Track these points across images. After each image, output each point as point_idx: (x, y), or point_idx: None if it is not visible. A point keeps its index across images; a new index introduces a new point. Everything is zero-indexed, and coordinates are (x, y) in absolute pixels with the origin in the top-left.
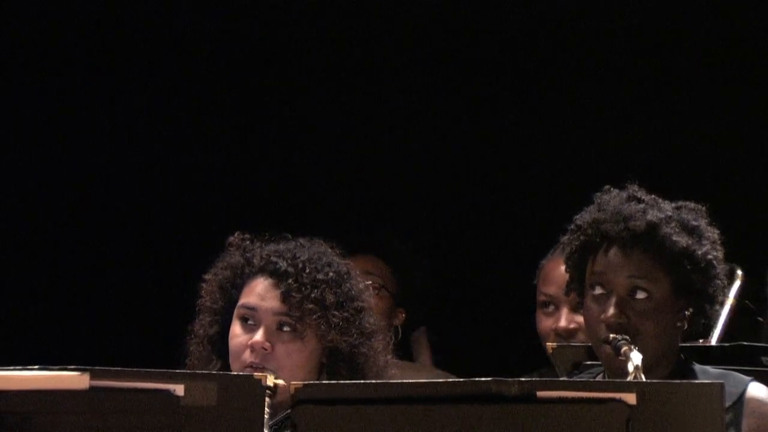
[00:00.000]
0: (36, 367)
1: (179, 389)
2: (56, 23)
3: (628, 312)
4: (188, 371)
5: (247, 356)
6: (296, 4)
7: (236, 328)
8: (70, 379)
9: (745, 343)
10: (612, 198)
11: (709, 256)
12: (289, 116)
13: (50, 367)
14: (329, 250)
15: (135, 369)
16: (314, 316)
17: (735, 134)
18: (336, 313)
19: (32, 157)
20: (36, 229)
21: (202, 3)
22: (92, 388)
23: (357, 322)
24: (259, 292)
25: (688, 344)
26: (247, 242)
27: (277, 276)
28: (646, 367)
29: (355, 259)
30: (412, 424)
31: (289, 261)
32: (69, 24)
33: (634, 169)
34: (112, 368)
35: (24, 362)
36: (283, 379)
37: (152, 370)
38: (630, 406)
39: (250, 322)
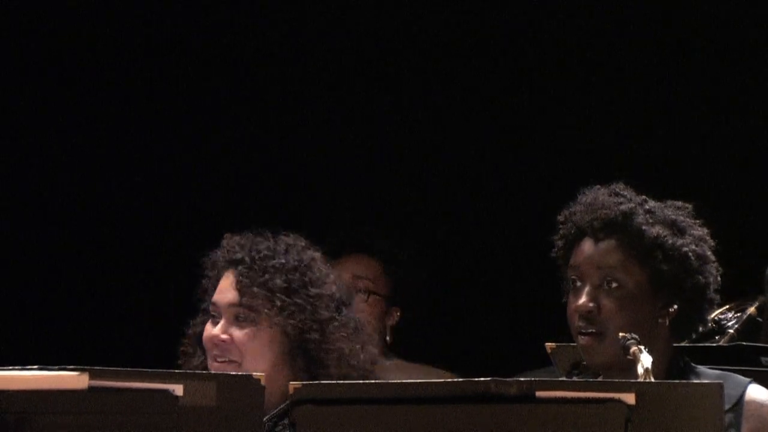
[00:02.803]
0: (35, 367)
1: (178, 389)
2: (46, 20)
3: (599, 301)
4: (188, 371)
5: (212, 350)
6: (295, 3)
7: (207, 326)
8: (69, 379)
9: (744, 343)
10: (592, 192)
11: (685, 249)
12: (282, 112)
13: (49, 367)
14: (301, 242)
15: (134, 369)
16: (261, 301)
17: (737, 135)
18: (283, 297)
19: (31, 157)
20: (35, 228)
21: (203, 3)
22: (91, 388)
23: (309, 308)
24: (221, 288)
25: (688, 344)
26: (225, 240)
27: (234, 267)
28: (621, 360)
29: (345, 260)
30: (412, 424)
31: (246, 251)
32: (61, 20)
33: (633, 170)
34: (111, 368)
35: (23, 362)
36: (247, 369)
37: (151, 370)
38: (629, 406)
39: (216, 317)
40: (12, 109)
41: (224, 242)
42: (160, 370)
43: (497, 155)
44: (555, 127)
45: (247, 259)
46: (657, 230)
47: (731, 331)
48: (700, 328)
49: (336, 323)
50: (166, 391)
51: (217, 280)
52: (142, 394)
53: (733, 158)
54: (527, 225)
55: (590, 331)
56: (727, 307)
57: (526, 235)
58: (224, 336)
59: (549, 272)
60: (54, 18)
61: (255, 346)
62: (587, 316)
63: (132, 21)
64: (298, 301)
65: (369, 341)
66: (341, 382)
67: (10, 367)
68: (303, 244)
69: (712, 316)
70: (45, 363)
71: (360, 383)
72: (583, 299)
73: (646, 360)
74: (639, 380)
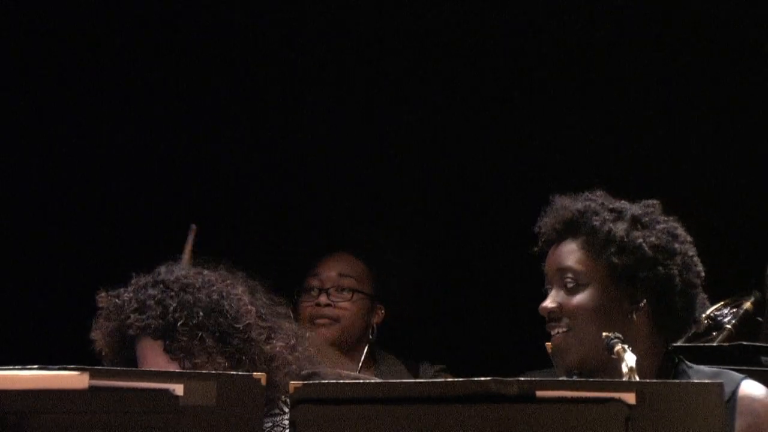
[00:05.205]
0: (35, 366)
1: (178, 389)
2: (46, 20)
3: (561, 300)
4: (188, 371)
5: None
6: (295, 3)
7: None
8: (69, 378)
9: (745, 342)
10: (558, 199)
11: (639, 241)
12: (271, 112)
13: (50, 366)
14: (189, 273)
15: (134, 368)
16: (201, 360)
17: (737, 135)
18: (220, 347)
19: (31, 157)
20: (35, 228)
21: (203, 3)
22: (92, 388)
23: (247, 343)
24: (148, 361)
25: (690, 344)
26: (114, 302)
27: (152, 337)
28: (596, 359)
29: (330, 258)
30: (412, 423)
31: (157, 317)
32: (61, 20)
33: (633, 171)
34: (111, 368)
35: (23, 362)
36: None
37: (152, 369)
38: (629, 406)
39: None
40: (12, 109)
41: (114, 308)
42: (161, 370)
43: (495, 153)
44: (553, 126)
45: (165, 328)
46: (611, 225)
47: (729, 326)
48: (689, 325)
49: (272, 340)
50: (166, 391)
51: (132, 350)
52: (143, 394)
53: (733, 158)
54: (527, 224)
55: (557, 331)
56: (723, 303)
57: (525, 234)
58: None
59: None
60: (54, 18)
61: None
62: (551, 316)
63: (132, 21)
64: (235, 342)
65: (288, 320)
66: (341, 381)
67: (10, 367)
68: (191, 273)
69: (708, 312)
70: (45, 363)
71: (360, 383)
72: (546, 302)
73: (630, 359)
74: (623, 379)
